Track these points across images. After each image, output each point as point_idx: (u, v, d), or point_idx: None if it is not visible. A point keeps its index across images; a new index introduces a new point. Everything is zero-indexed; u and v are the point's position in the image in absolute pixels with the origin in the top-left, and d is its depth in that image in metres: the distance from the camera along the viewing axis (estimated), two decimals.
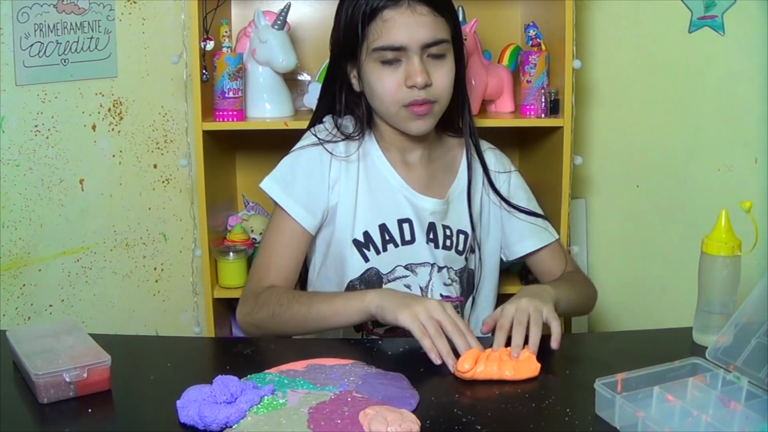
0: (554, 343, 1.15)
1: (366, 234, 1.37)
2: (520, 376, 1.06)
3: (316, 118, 1.44)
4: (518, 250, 1.48)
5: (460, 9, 1.84)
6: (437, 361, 1.08)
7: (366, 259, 1.37)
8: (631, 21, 2.09)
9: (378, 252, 1.37)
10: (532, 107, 1.85)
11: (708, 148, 2.09)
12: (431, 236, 1.39)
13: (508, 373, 1.06)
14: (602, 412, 0.96)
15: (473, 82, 1.83)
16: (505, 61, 1.95)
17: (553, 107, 1.82)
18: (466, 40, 1.78)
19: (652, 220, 2.18)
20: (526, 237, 1.47)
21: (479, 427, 0.94)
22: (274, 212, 1.39)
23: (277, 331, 1.29)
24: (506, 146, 2.03)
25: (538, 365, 1.08)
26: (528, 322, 1.13)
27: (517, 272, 1.96)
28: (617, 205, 2.20)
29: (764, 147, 2.03)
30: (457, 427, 0.94)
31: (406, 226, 1.38)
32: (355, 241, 1.37)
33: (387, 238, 1.37)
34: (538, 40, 1.85)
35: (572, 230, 2.06)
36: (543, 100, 1.82)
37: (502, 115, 1.92)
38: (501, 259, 1.52)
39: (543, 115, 1.83)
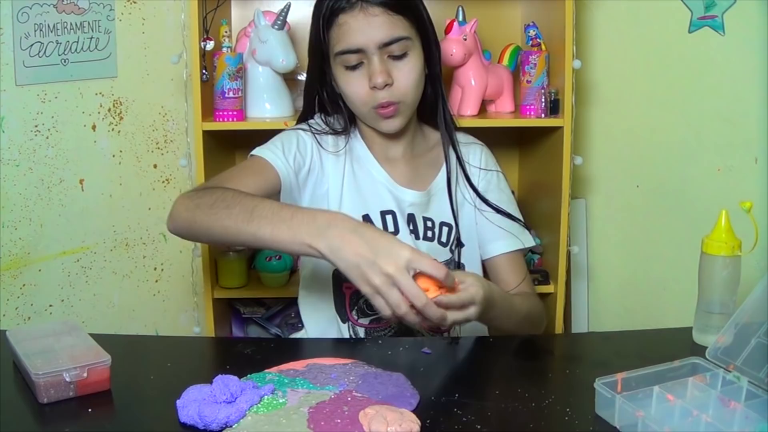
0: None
1: None
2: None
3: (304, 117, 1.46)
4: (491, 250, 1.44)
5: (460, 9, 1.84)
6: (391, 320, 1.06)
7: None
8: (631, 21, 2.10)
9: None
10: (532, 107, 1.85)
11: (708, 148, 2.10)
12: (411, 227, 1.40)
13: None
14: (602, 412, 0.96)
15: (473, 82, 1.84)
16: (505, 61, 1.95)
17: (553, 107, 1.82)
18: (466, 39, 1.79)
19: (652, 220, 2.18)
20: (499, 238, 1.43)
21: (479, 427, 0.94)
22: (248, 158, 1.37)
23: (208, 229, 1.13)
24: (506, 146, 2.03)
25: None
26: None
27: None
28: (617, 205, 2.20)
29: (764, 147, 2.03)
30: (457, 427, 0.94)
31: (389, 217, 1.39)
32: None
33: None
34: (538, 40, 1.85)
35: (572, 230, 2.06)
36: (543, 100, 1.82)
37: (502, 115, 1.92)
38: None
39: (543, 115, 1.83)
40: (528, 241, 1.46)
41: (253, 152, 1.35)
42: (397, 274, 0.99)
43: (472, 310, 1.11)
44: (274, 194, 1.31)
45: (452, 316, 1.08)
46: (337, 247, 1.02)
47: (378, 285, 1.00)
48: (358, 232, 1.02)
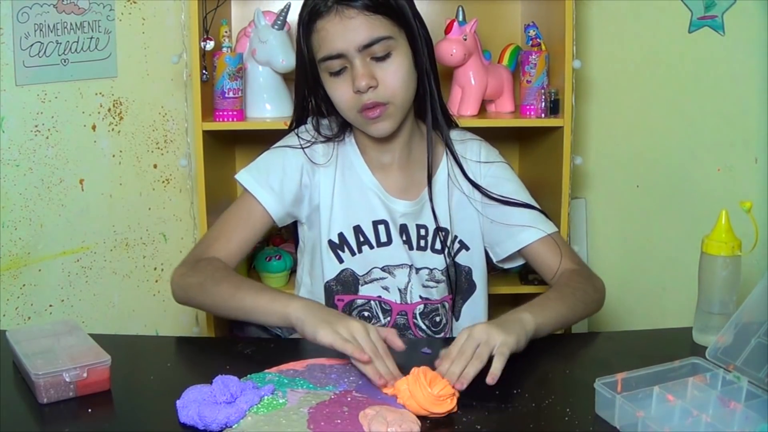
0: (488, 378, 1.02)
1: (341, 235, 1.37)
2: (435, 411, 0.96)
3: (296, 121, 1.43)
4: (519, 242, 1.38)
5: (460, 9, 1.84)
6: (364, 359, 1.02)
7: (340, 261, 1.37)
8: (631, 21, 2.10)
9: (353, 254, 1.37)
10: (532, 107, 1.85)
11: (708, 148, 2.10)
12: (404, 238, 1.38)
13: (421, 397, 0.97)
14: (602, 412, 0.96)
15: (473, 82, 1.84)
16: (505, 61, 1.95)
17: (553, 107, 1.82)
18: (466, 39, 1.79)
19: (652, 220, 2.18)
20: (521, 230, 1.37)
21: (479, 427, 0.94)
22: (240, 195, 1.38)
23: (201, 304, 1.29)
24: (506, 146, 2.03)
25: (453, 404, 0.98)
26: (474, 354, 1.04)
27: (517, 272, 1.96)
28: (617, 205, 2.20)
29: (764, 147, 2.03)
30: (457, 427, 0.94)
31: (381, 227, 1.37)
32: (330, 243, 1.37)
33: (362, 239, 1.37)
34: (538, 40, 1.85)
35: (572, 230, 2.06)
36: (543, 100, 1.82)
37: (502, 115, 1.92)
38: (490, 258, 1.47)
39: (543, 115, 1.83)
40: (549, 227, 1.38)
41: (241, 179, 1.36)
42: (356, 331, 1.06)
43: (484, 351, 1.05)
44: (266, 231, 1.38)
45: (470, 368, 1.03)
46: (311, 307, 1.12)
47: (343, 333, 1.05)
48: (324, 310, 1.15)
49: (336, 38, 1.25)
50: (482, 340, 1.05)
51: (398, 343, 1.07)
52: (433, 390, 0.96)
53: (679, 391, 0.95)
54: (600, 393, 0.95)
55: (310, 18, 1.27)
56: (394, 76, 1.27)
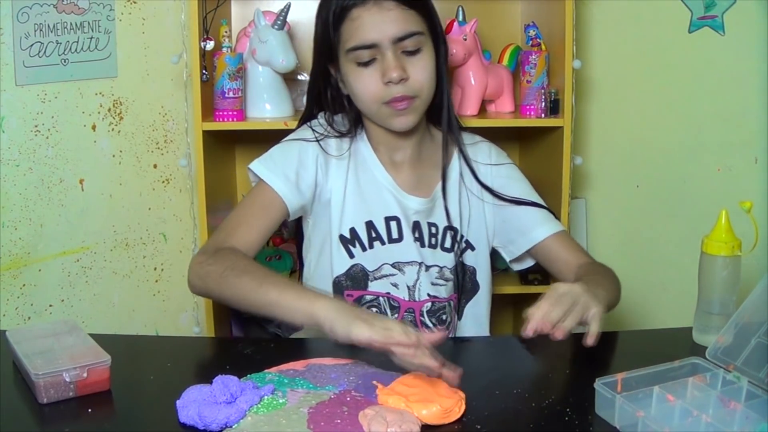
0: (589, 340, 1.07)
1: (352, 230, 1.37)
2: (431, 422, 0.95)
3: (308, 116, 1.43)
4: (533, 238, 1.39)
5: (460, 9, 1.84)
6: (410, 341, 0.98)
7: (351, 256, 1.37)
8: (631, 21, 2.10)
9: (364, 249, 1.37)
10: (532, 107, 1.85)
11: (708, 148, 2.10)
12: (416, 235, 1.38)
13: (425, 412, 0.95)
14: (602, 412, 0.96)
15: (473, 82, 1.84)
16: (505, 61, 1.95)
17: (553, 107, 1.82)
18: (466, 39, 1.79)
19: (652, 220, 2.18)
20: (538, 225, 1.39)
21: (479, 427, 0.94)
22: (256, 185, 1.37)
23: (220, 295, 1.23)
24: (506, 146, 2.03)
25: (461, 412, 0.97)
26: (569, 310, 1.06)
27: (517, 272, 1.95)
28: (617, 205, 2.20)
29: (764, 147, 2.03)
30: (457, 427, 0.94)
31: (393, 224, 1.37)
32: (341, 237, 1.37)
33: (374, 235, 1.37)
34: (538, 40, 1.85)
35: (572, 230, 2.06)
36: (543, 100, 1.82)
37: (502, 115, 1.92)
38: (492, 259, 1.48)
39: (543, 115, 1.83)
40: (559, 225, 1.41)
41: (255, 169, 1.34)
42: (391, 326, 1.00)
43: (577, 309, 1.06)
44: (281, 221, 1.35)
45: (569, 321, 1.05)
46: (340, 306, 1.06)
47: (378, 326, 1.00)
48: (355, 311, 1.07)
49: (371, 28, 1.25)
50: (579, 302, 1.06)
51: (437, 337, 1.01)
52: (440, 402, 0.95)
53: (679, 391, 0.95)
54: (600, 393, 0.95)
55: (343, 7, 1.27)
56: (423, 72, 1.29)
